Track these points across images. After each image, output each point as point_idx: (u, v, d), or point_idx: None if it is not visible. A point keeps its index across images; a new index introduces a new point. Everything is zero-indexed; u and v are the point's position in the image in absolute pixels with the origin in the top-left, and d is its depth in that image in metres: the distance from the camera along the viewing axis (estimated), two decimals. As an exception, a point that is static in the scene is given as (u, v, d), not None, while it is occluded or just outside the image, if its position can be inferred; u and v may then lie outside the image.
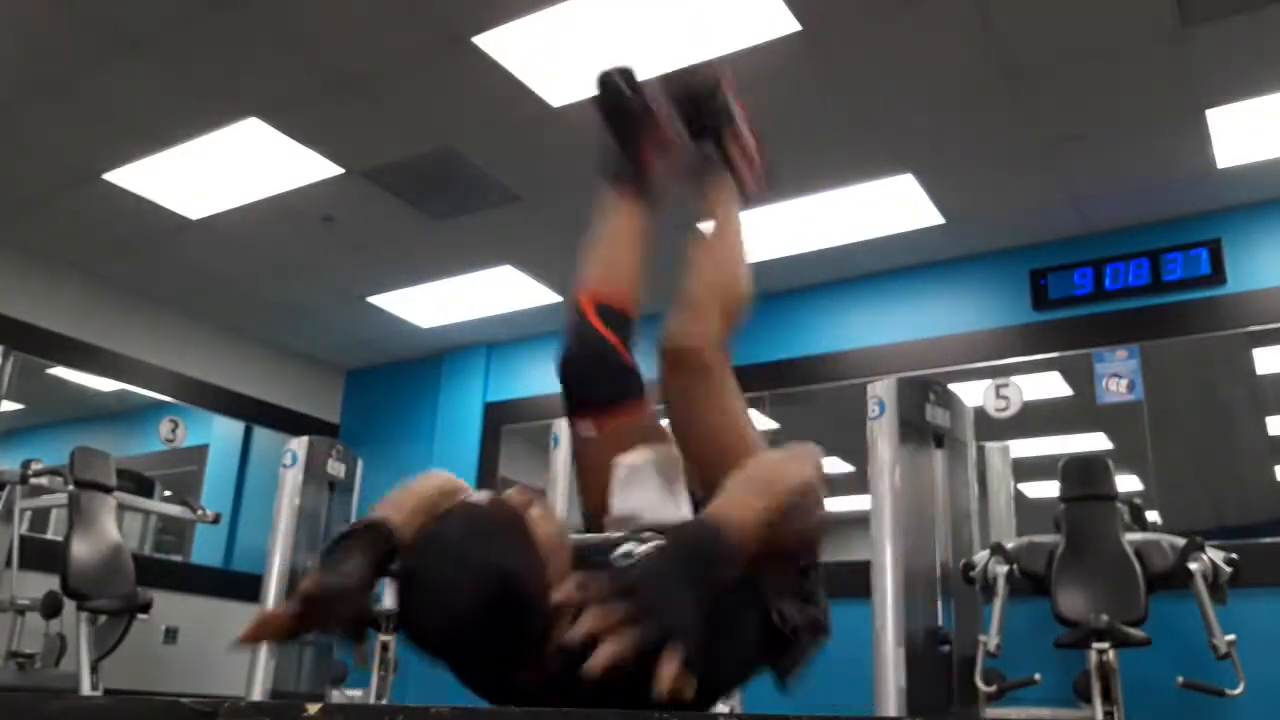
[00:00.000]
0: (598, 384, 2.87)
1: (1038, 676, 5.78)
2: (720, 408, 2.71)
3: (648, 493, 2.64)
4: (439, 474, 2.63)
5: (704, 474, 2.54)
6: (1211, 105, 6.36)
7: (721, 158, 3.36)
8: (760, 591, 2.25)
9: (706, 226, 3.27)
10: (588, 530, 2.69)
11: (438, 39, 5.97)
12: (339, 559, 2.21)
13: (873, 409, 6.77)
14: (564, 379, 2.89)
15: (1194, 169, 7.03)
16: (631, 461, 2.69)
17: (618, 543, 2.21)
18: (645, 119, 3.17)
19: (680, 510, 2.57)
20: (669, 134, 3.26)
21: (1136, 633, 5.53)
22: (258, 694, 8.32)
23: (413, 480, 2.57)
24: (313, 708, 1.66)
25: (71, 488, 7.91)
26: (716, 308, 3.01)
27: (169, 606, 9.05)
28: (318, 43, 6.09)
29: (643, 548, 2.14)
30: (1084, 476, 6.42)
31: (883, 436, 6.69)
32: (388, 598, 8.14)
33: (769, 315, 8.63)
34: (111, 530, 8.01)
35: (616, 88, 3.16)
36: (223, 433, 11.05)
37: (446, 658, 2.07)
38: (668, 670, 1.74)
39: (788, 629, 2.33)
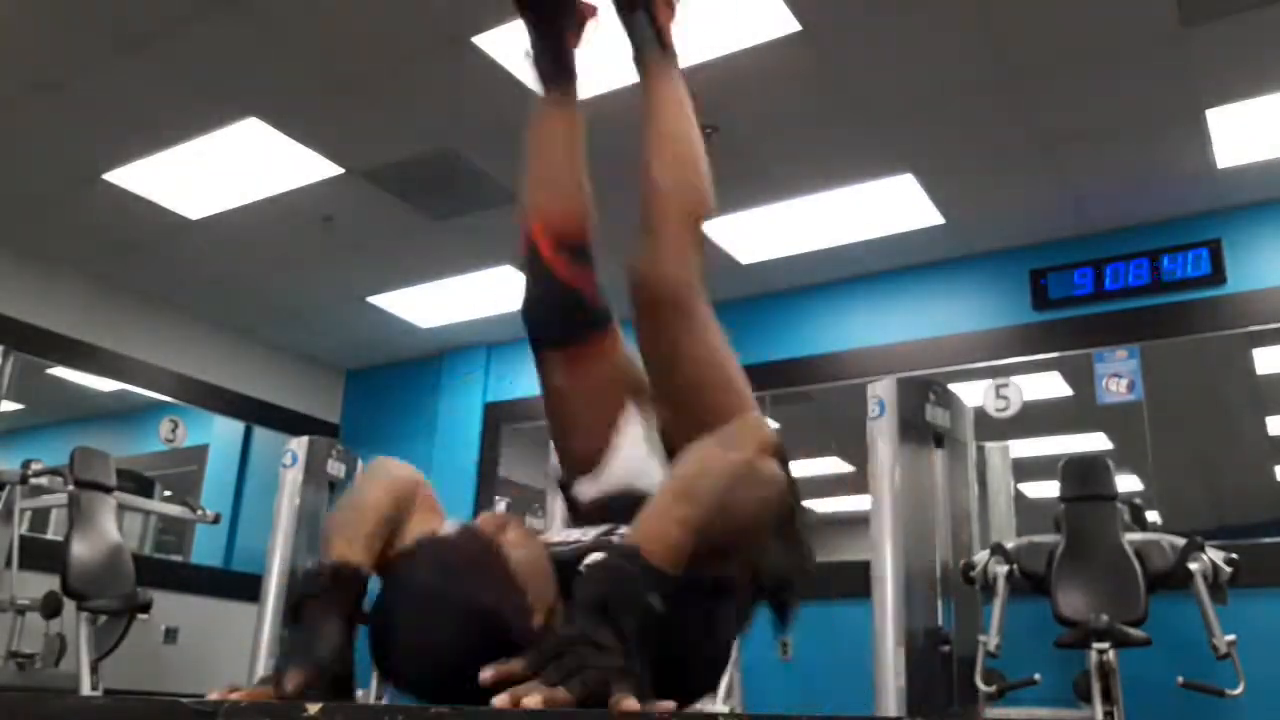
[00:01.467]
0: (563, 326, 2.86)
1: (1038, 676, 5.78)
2: (702, 350, 2.60)
3: (635, 461, 2.62)
4: (387, 470, 2.53)
5: (688, 424, 2.40)
6: (1211, 105, 6.36)
7: (655, 33, 3.17)
8: (720, 579, 2.16)
9: (652, 114, 3.06)
10: (566, 487, 2.79)
11: (438, 39, 5.98)
12: (312, 627, 2.12)
13: (873, 409, 6.77)
14: (527, 323, 2.90)
15: (1194, 169, 7.03)
16: (634, 433, 2.66)
17: (590, 550, 2.10)
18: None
19: (659, 474, 2.46)
20: (589, 8, 3.06)
21: (1136, 633, 5.53)
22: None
23: (360, 485, 2.48)
24: (313, 708, 1.66)
25: (71, 488, 7.90)
26: (685, 230, 2.84)
27: (169, 606, 9.05)
28: (318, 43, 6.09)
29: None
30: (1084, 476, 6.42)
31: (883, 436, 6.69)
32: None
33: (769, 315, 8.64)
34: (111, 530, 8.00)
35: None
36: (223, 433, 11.05)
37: (430, 699, 1.96)
38: (621, 709, 1.70)
39: (770, 585, 2.32)
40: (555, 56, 3.08)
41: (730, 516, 2.06)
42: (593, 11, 3.04)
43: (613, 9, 3.02)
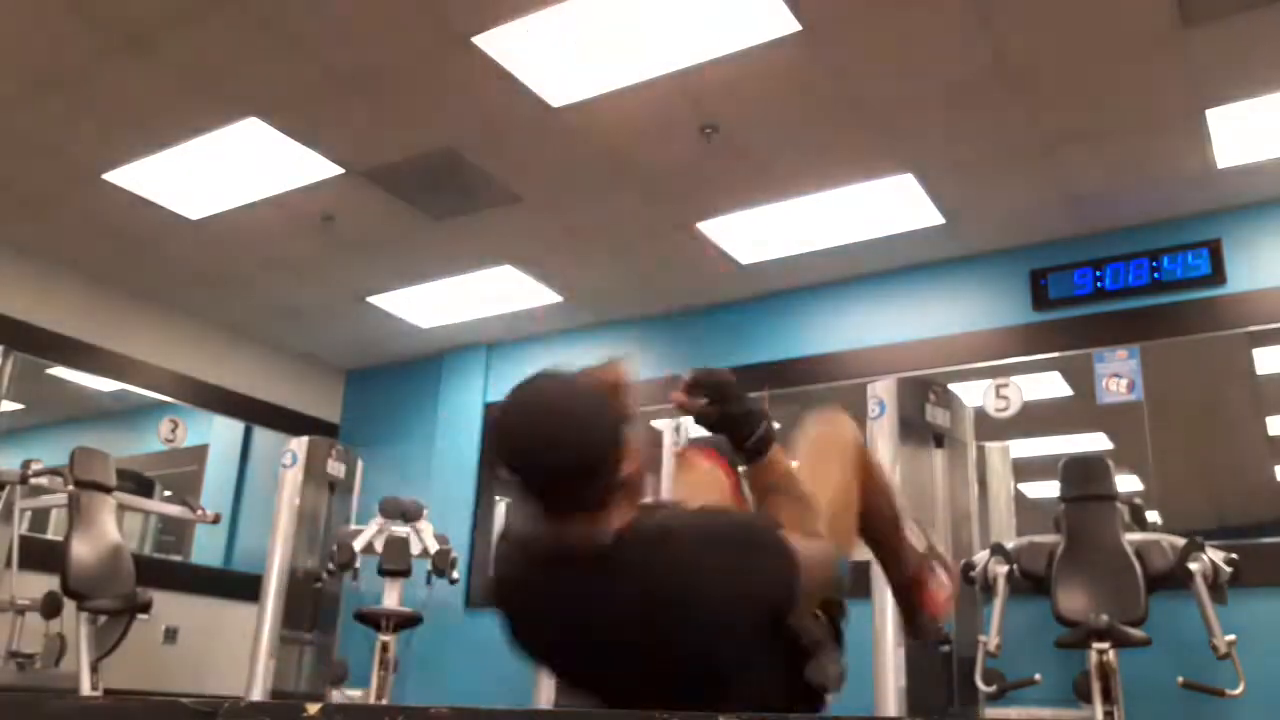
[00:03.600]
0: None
1: (1038, 676, 5.79)
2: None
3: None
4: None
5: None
6: (1211, 105, 6.36)
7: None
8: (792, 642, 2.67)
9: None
10: None
11: (438, 39, 5.97)
12: None
13: (873, 409, 6.78)
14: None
15: (1194, 169, 7.03)
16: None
17: None
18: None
19: None
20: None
21: (1136, 633, 5.53)
22: (258, 694, 8.33)
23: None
24: (313, 708, 1.66)
25: (71, 488, 7.90)
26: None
27: (169, 606, 9.06)
28: (318, 42, 6.09)
29: None
30: (1084, 476, 6.43)
31: (883, 436, 6.70)
32: (387, 598, 8.16)
33: (769, 315, 8.66)
34: (111, 530, 8.00)
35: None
36: (222, 433, 11.06)
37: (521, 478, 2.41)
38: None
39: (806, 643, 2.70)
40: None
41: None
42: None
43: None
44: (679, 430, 7.56)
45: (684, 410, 2.82)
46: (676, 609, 2.42)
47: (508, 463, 2.41)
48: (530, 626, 2.68)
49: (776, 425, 2.77)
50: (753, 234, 8.12)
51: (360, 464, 9.78)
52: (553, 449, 2.37)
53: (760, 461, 2.79)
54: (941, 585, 3.51)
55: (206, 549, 10.53)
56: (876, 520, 3.33)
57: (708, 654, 2.46)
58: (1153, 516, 6.94)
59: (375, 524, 8.62)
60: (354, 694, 8.54)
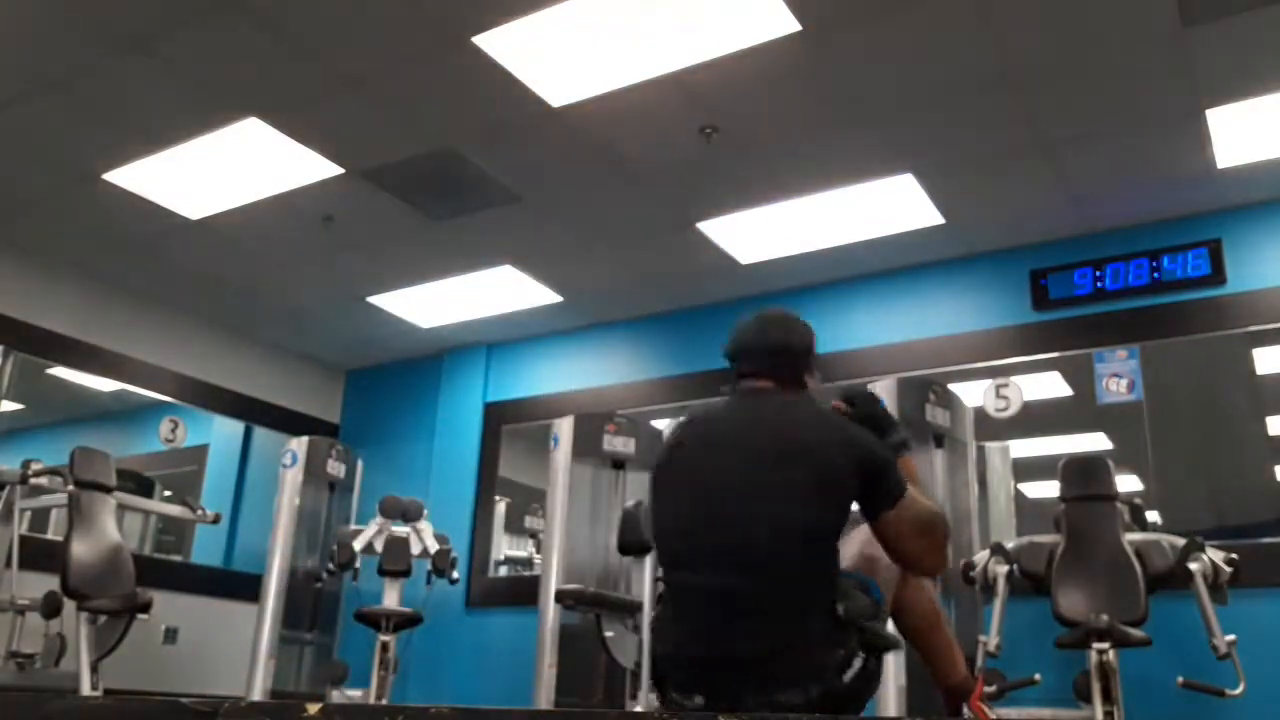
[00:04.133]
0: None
1: (1038, 676, 5.77)
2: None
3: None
4: None
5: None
6: (1211, 105, 6.36)
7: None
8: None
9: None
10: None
11: (438, 39, 5.98)
12: None
13: (873, 409, 6.78)
14: None
15: (1194, 169, 7.03)
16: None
17: None
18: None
19: None
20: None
21: (1136, 633, 5.53)
22: (258, 694, 8.34)
23: None
24: (313, 708, 1.67)
25: (71, 488, 7.90)
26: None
27: (169, 606, 9.07)
28: (318, 43, 6.09)
29: None
30: (1084, 476, 6.43)
31: (884, 437, 6.69)
32: (387, 598, 8.17)
33: (769, 315, 8.60)
34: (111, 530, 8.00)
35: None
36: (223, 433, 11.06)
37: None
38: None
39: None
40: None
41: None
42: None
43: None
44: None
45: (840, 413, 3.64)
46: (815, 427, 3.44)
47: (740, 342, 3.72)
48: (706, 437, 3.63)
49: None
50: (753, 234, 8.12)
51: (360, 464, 9.79)
52: (773, 335, 3.73)
53: (900, 459, 3.53)
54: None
55: (206, 549, 10.53)
56: (915, 618, 3.92)
57: (820, 469, 3.29)
58: (1153, 516, 6.93)
59: (375, 524, 8.63)
60: (354, 694, 8.54)
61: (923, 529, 3.44)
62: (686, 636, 3.33)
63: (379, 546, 8.54)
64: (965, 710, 3.87)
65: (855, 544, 3.72)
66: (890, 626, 3.69)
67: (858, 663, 3.21)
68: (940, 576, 6.56)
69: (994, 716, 3.89)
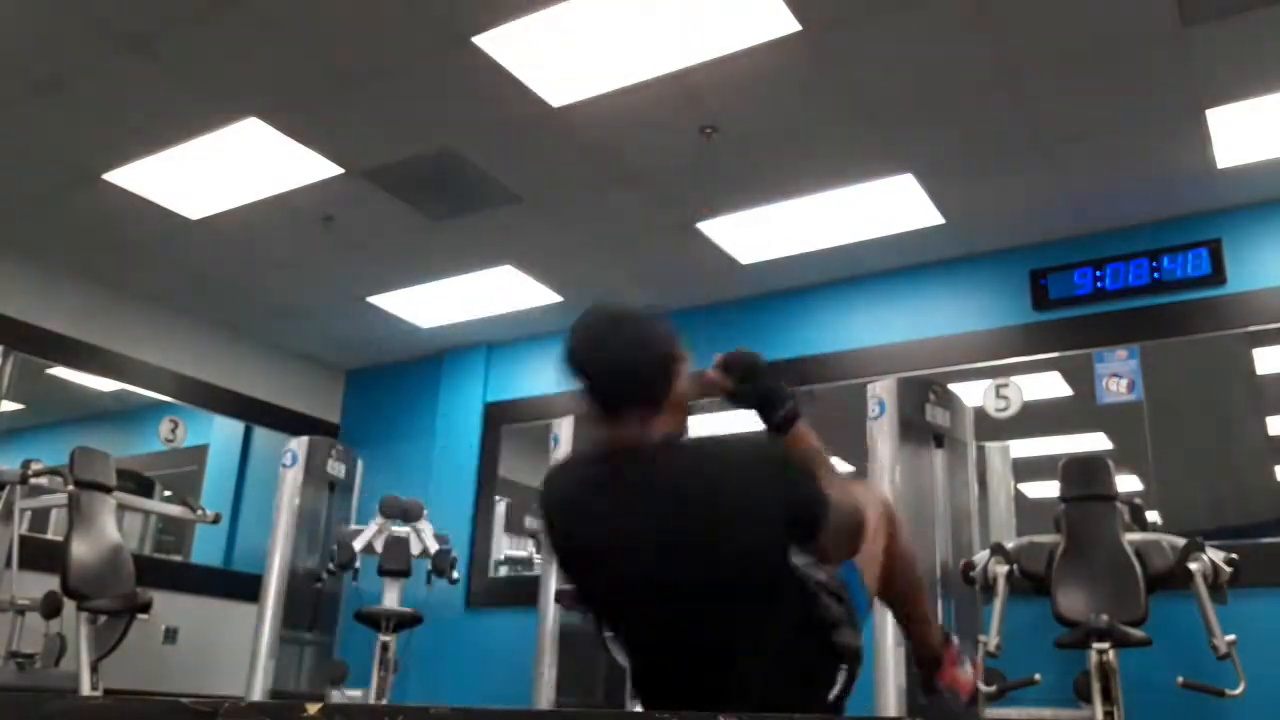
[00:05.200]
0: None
1: (1038, 676, 5.78)
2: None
3: None
4: None
5: None
6: (1211, 105, 6.36)
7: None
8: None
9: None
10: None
11: (438, 39, 5.98)
12: None
13: (873, 409, 6.79)
14: None
15: (1194, 169, 7.03)
16: None
17: None
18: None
19: None
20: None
21: (1136, 633, 5.54)
22: (258, 694, 8.34)
23: None
24: (313, 708, 1.67)
25: (71, 488, 7.90)
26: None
27: (169, 606, 9.07)
28: (318, 43, 6.09)
29: None
30: (1084, 476, 6.43)
31: (883, 436, 6.71)
32: (387, 598, 8.16)
33: (769, 315, 8.67)
34: (111, 530, 8.00)
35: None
36: (223, 433, 11.07)
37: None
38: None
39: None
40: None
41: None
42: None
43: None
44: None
45: (717, 388, 3.21)
46: (712, 497, 2.86)
47: (579, 363, 2.97)
48: (579, 518, 3.10)
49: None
50: (753, 234, 8.13)
51: (360, 464, 9.79)
52: (620, 350, 2.97)
53: (790, 434, 3.13)
54: (968, 676, 3.76)
55: (206, 549, 10.53)
56: (899, 582, 3.52)
57: (742, 550, 2.86)
58: (1153, 516, 6.93)
59: (375, 524, 8.64)
60: (354, 694, 8.55)
61: (847, 538, 3.10)
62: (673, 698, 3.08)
63: (379, 546, 8.54)
64: (940, 685, 3.74)
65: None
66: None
67: (841, 677, 3.10)
68: (940, 576, 6.60)
69: (971, 676, 3.81)
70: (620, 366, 2.95)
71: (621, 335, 3.02)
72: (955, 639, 3.78)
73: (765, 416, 3.17)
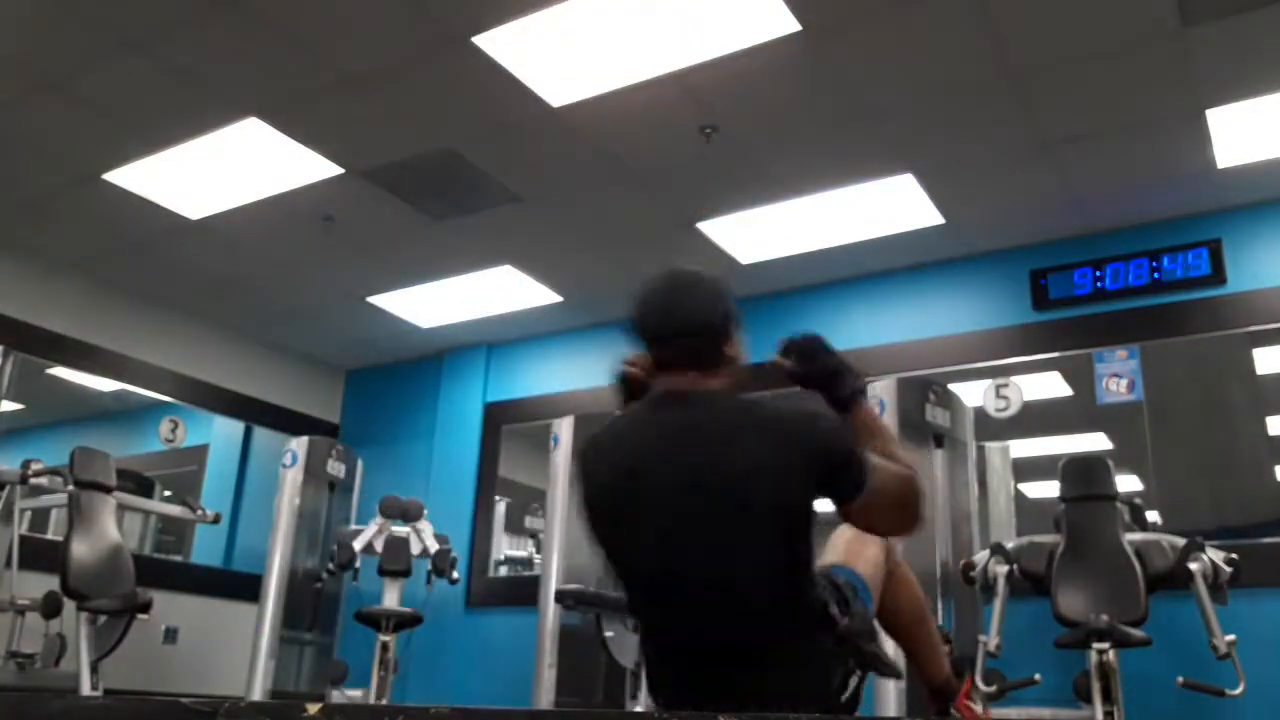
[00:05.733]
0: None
1: (1038, 677, 5.78)
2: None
3: None
4: None
5: None
6: (1211, 105, 6.36)
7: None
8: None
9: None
10: None
11: (438, 39, 5.98)
12: None
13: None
14: None
15: (1194, 169, 7.03)
16: None
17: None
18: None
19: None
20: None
21: (1136, 633, 5.53)
22: (257, 694, 8.34)
23: None
24: (313, 708, 1.67)
25: (71, 488, 7.90)
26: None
27: (169, 606, 9.07)
28: (318, 43, 6.10)
29: None
30: (1084, 476, 6.43)
31: (883, 436, 6.69)
32: (387, 598, 8.16)
33: (769, 315, 8.62)
34: (111, 530, 8.00)
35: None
36: (223, 433, 11.07)
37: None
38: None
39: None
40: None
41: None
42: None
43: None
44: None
45: (780, 370, 3.33)
46: (745, 442, 2.96)
47: (646, 321, 3.18)
48: (616, 446, 3.21)
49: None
50: (752, 234, 8.13)
51: (360, 464, 9.79)
52: (685, 309, 3.15)
53: (857, 409, 3.23)
54: (978, 713, 3.86)
55: (206, 549, 10.53)
56: (901, 616, 3.72)
57: (766, 498, 2.91)
58: (1153, 516, 6.94)
59: (375, 524, 8.64)
60: (354, 694, 8.55)
61: (896, 503, 3.16)
62: (678, 686, 3.13)
63: (379, 546, 8.55)
64: (952, 711, 3.80)
65: (839, 535, 3.59)
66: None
67: (854, 681, 3.12)
68: (940, 576, 6.61)
69: (981, 714, 3.84)
70: (684, 319, 3.13)
71: (687, 291, 3.22)
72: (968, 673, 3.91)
73: (831, 396, 3.25)
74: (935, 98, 6.41)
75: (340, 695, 8.61)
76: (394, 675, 8.04)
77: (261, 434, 11.00)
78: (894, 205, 7.63)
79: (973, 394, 7.81)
